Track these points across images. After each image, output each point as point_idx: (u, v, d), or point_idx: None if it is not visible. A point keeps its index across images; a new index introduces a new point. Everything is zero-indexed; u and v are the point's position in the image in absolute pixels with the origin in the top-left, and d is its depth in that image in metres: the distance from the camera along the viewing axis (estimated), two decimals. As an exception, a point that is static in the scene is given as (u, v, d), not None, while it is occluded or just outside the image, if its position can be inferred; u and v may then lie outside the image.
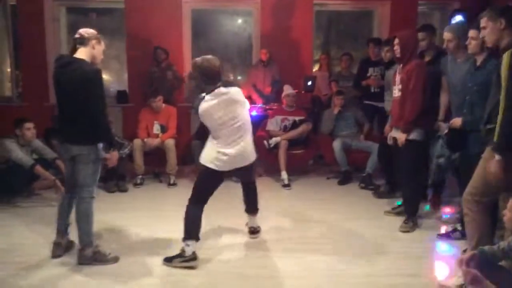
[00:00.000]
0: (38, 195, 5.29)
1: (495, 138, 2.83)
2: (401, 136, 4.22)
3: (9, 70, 7.49)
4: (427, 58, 4.60)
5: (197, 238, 3.52)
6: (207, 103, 3.46)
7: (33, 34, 6.98)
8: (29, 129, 5.10)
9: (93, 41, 3.42)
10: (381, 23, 7.41)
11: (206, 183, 3.60)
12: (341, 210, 4.91)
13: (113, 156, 3.57)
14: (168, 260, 3.51)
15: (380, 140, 5.27)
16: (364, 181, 5.73)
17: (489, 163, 2.89)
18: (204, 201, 3.58)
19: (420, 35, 4.56)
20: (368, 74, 6.18)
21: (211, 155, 3.54)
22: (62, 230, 3.64)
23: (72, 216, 3.58)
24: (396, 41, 4.20)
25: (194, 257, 3.48)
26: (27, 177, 5.02)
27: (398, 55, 4.24)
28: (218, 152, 3.52)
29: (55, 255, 3.60)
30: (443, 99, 4.30)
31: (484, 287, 2.29)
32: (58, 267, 3.47)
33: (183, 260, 3.46)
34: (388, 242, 4.02)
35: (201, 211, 3.55)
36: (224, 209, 4.71)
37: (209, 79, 3.50)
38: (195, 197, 3.57)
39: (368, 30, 7.79)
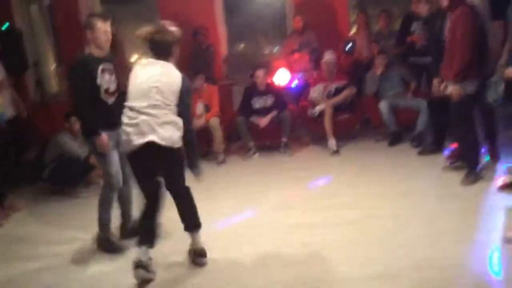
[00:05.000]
0: (96, 184, 5.48)
1: None
2: (454, 90, 4.06)
3: (53, 67, 7.71)
4: None
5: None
6: None
7: (70, 29, 7.12)
8: (76, 122, 5.25)
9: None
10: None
11: None
12: (394, 172, 4.81)
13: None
14: None
15: (430, 97, 5.10)
16: (415, 140, 5.58)
17: None
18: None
19: None
20: (412, 30, 5.92)
21: None
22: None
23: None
24: None
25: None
26: (83, 168, 5.20)
27: (445, 3, 4.06)
28: None
29: None
30: (508, 45, 4.05)
31: None
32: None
33: None
34: (447, 199, 3.92)
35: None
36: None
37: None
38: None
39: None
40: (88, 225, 4.17)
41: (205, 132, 6.01)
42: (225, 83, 6.95)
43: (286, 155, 5.93)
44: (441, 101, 4.40)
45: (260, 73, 6.07)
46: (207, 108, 6.14)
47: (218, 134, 5.96)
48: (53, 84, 7.88)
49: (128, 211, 3.85)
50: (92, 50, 3.50)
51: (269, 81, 6.25)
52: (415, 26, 5.92)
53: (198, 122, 6.01)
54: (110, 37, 3.52)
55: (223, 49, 7.27)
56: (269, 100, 6.09)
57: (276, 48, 8.56)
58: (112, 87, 3.57)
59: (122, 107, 3.34)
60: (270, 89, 6.16)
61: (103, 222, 3.66)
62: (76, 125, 5.23)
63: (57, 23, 7.33)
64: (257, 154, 6.02)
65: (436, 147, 5.16)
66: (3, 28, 6.52)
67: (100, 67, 3.48)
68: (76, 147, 5.10)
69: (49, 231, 4.22)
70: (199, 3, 7.01)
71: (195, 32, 6.68)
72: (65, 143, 5.09)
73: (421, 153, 5.25)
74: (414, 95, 5.90)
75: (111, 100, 3.57)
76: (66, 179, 5.17)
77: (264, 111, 6.04)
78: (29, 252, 3.80)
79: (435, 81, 4.54)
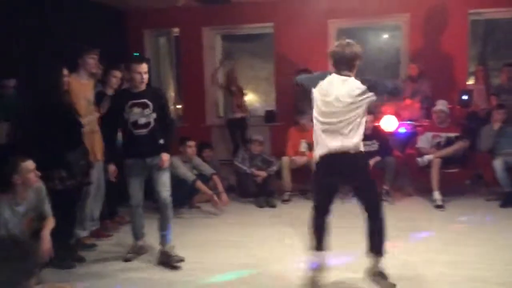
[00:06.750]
0: (198, 207, 5.77)
1: None
2: None
3: (173, 94, 8.33)
4: None
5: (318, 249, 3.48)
6: None
7: (192, 61, 7.70)
8: (191, 147, 5.61)
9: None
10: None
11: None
12: (504, 235, 4.47)
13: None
14: None
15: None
16: (531, 204, 5.16)
17: None
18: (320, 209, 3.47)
19: None
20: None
21: None
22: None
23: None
24: None
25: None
26: (189, 191, 5.49)
27: None
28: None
29: None
30: None
31: None
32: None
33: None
34: None
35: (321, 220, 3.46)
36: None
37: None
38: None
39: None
40: (186, 243, 4.43)
41: (307, 170, 6.07)
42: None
43: (387, 203, 5.77)
44: None
45: (367, 118, 6.01)
46: (311, 147, 6.21)
47: (319, 173, 5.97)
48: (171, 111, 8.46)
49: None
50: (130, 87, 3.96)
51: (376, 125, 6.18)
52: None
53: (301, 160, 6.11)
54: (144, 76, 3.87)
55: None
56: (374, 145, 6.01)
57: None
58: (142, 120, 3.88)
59: (152, 139, 3.89)
60: (376, 133, 6.08)
61: (134, 236, 4.25)
62: (190, 149, 5.59)
63: (181, 54, 7.96)
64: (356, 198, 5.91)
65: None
66: (135, 55, 7.19)
67: (130, 102, 3.86)
68: (185, 170, 5.41)
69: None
70: (313, 44, 7.19)
71: (300, 71, 6.83)
72: (177, 166, 5.38)
73: None
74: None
75: (139, 132, 3.89)
76: (172, 199, 5.48)
77: (368, 156, 5.96)
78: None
79: None
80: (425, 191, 5.82)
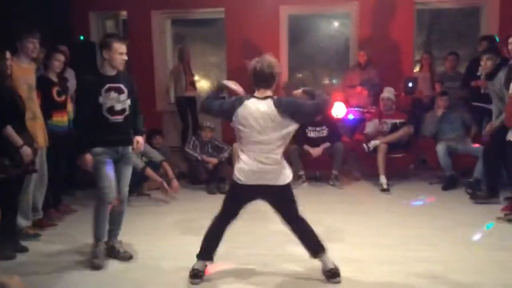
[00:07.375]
0: (147, 195, 5.68)
1: None
2: None
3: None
4: None
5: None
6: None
7: (141, 46, 7.51)
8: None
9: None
10: (489, 21, 6.93)
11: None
12: (446, 217, 4.67)
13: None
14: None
15: (486, 142, 4.99)
16: (471, 186, 5.40)
17: None
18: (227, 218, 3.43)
19: None
20: (478, 74, 5.80)
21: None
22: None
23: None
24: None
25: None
26: (138, 179, 5.38)
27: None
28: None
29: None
30: None
31: None
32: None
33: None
34: (497, 251, 3.76)
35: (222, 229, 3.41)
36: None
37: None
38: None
39: (474, 29, 7.35)
40: (135, 232, 4.36)
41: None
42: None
43: (335, 187, 5.91)
44: (497, 148, 4.28)
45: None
46: (262, 133, 6.23)
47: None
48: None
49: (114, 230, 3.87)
50: (105, 69, 3.61)
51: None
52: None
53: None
54: (125, 57, 3.60)
55: (283, 76, 7.39)
56: (323, 131, 6.11)
57: (336, 80, 8.62)
58: (118, 106, 3.61)
59: (127, 126, 3.66)
60: (326, 120, 6.17)
61: (97, 236, 3.74)
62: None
63: (129, 39, 7.74)
64: (306, 184, 6.02)
65: (490, 196, 4.99)
66: (80, 39, 6.96)
67: (106, 86, 3.56)
68: (134, 157, 5.28)
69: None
70: (265, 30, 7.19)
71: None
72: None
73: (472, 198, 5.11)
74: (474, 140, 5.74)
75: (115, 118, 3.61)
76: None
77: (318, 141, 6.06)
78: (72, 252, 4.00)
79: (488, 125, 4.54)
80: (371, 176, 5.99)
